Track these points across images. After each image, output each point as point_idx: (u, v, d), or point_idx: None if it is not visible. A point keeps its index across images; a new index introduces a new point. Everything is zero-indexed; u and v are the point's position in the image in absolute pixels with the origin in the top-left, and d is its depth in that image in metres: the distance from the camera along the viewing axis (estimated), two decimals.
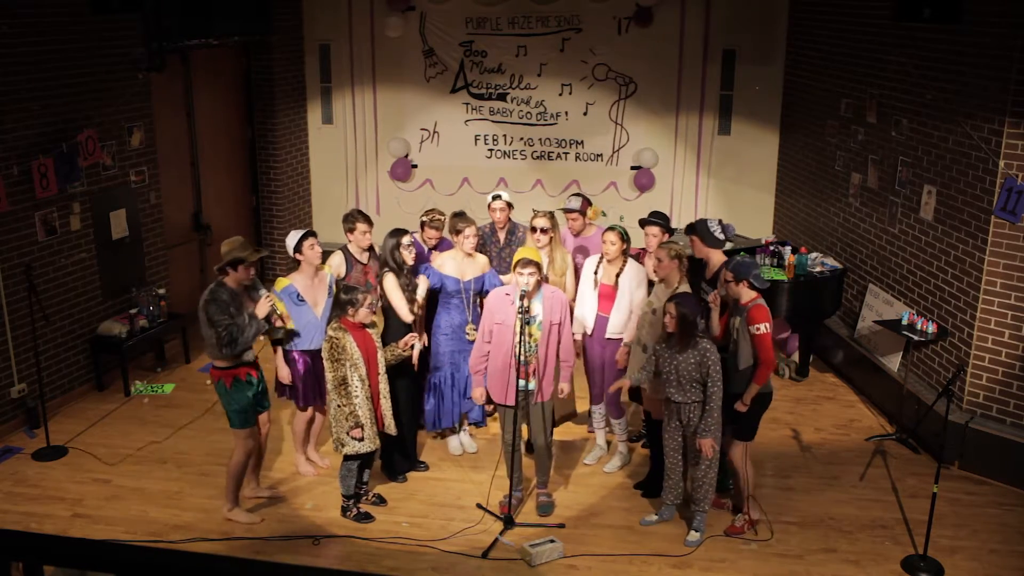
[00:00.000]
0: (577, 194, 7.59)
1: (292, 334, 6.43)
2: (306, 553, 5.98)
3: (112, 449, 7.27)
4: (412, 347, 6.45)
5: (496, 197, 7.33)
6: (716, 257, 6.71)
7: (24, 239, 7.49)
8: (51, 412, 7.57)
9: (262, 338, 6.27)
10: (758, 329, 5.84)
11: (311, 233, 6.56)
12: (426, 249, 7.15)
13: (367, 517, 6.31)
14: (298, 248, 6.52)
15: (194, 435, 7.51)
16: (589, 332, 6.78)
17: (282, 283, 6.49)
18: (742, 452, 6.10)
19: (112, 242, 8.41)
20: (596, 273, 6.71)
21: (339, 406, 6.00)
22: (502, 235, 7.37)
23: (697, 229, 6.74)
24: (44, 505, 6.52)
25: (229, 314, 5.86)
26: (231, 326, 5.86)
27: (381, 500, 6.51)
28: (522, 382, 6.05)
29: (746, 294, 5.94)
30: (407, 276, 6.57)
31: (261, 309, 6.03)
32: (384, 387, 6.18)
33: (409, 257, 6.55)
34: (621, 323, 6.62)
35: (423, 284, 6.61)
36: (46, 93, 7.58)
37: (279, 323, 6.30)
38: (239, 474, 6.26)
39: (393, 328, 6.59)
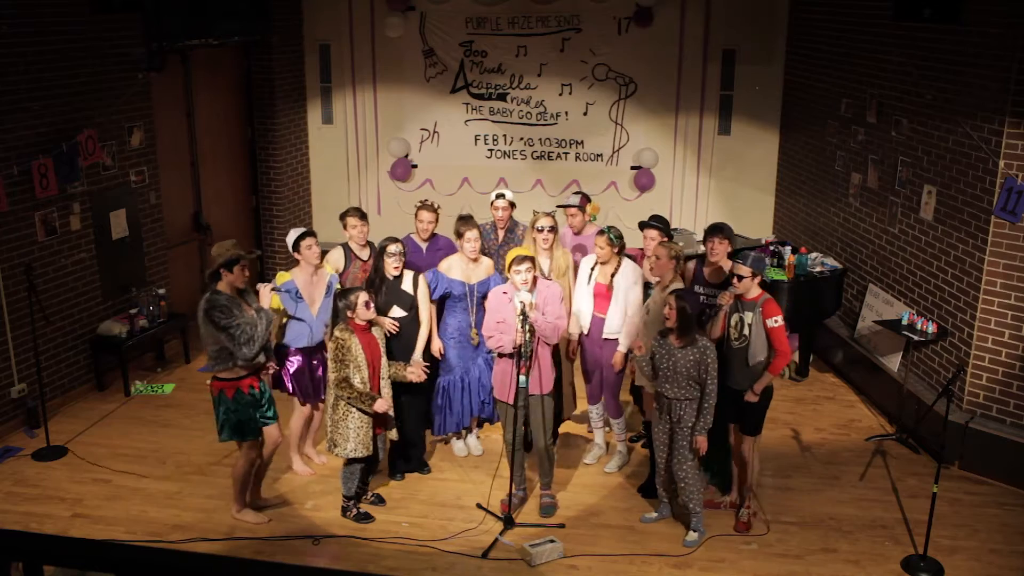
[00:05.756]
0: (576, 192, 7.61)
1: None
2: (306, 553, 5.98)
3: (112, 449, 7.27)
4: (413, 372, 6.41)
5: (500, 196, 7.32)
6: (727, 264, 6.65)
7: (24, 239, 7.49)
8: (51, 412, 7.57)
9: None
10: (776, 321, 5.88)
11: (310, 233, 6.58)
12: (423, 247, 7.11)
13: (367, 517, 6.31)
14: (296, 247, 6.53)
15: (194, 435, 7.51)
16: (586, 332, 6.77)
17: (283, 277, 6.52)
18: (751, 446, 6.14)
19: (112, 242, 8.41)
20: (592, 270, 6.72)
21: (349, 398, 5.94)
22: (501, 234, 7.35)
23: (726, 231, 6.61)
24: (44, 505, 6.52)
25: (235, 315, 5.82)
26: (244, 324, 5.78)
27: (380, 500, 6.51)
28: (522, 378, 6.05)
29: (754, 288, 5.95)
30: (382, 284, 6.51)
31: (265, 300, 6.02)
32: (387, 391, 6.17)
33: (391, 268, 6.50)
34: (617, 323, 6.61)
35: (386, 324, 6.48)
36: (46, 93, 7.58)
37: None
38: (243, 481, 6.25)
39: (401, 339, 6.55)
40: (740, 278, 5.92)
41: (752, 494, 6.27)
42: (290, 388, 6.67)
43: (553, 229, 6.83)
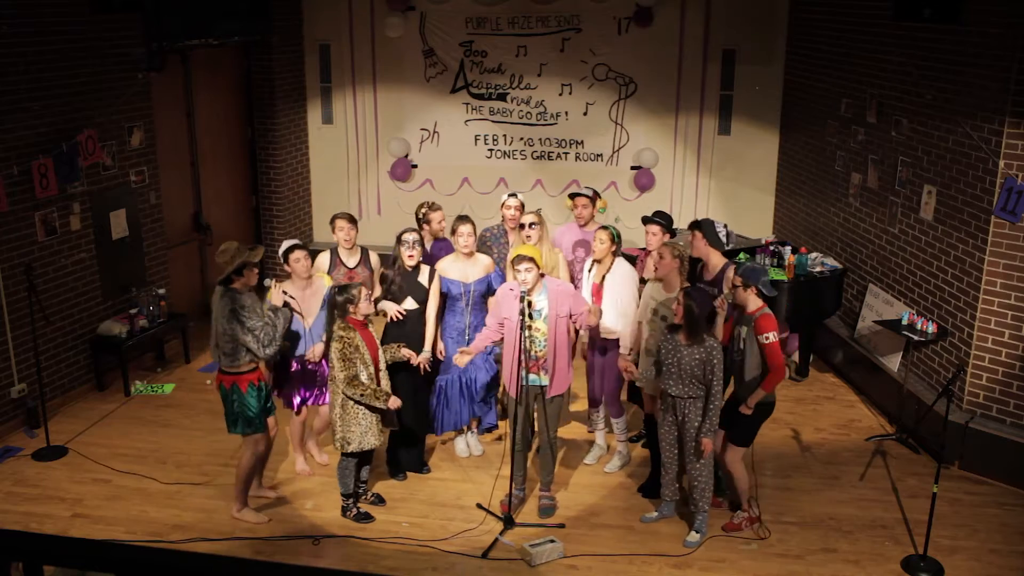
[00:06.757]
0: (586, 187, 7.64)
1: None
2: (306, 553, 5.98)
3: (112, 449, 7.27)
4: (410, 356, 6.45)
5: (512, 195, 7.31)
6: (715, 259, 6.69)
7: (24, 239, 7.49)
8: (51, 412, 7.57)
9: None
10: (767, 338, 5.78)
11: (298, 246, 6.52)
12: (428, 247, 7.11)
13: (367, 517, 6.31)
14: (286, 259, 6.52)
15: (194, 435, 7.51)
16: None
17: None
18: (735, 457, 6.09)
19: (112, 242, 8.41)
20: (589, 272, 6.73)
21: (361, 396, 5.91)
22: (512, 236, 7.30)
23: (703, 226, 6.74)
24: (44, 505, 6.52)
25: (259, 314, 5.84)
26: (266, 326, 5.83)
27: (380, 500, 6.51)
28: (533, 377, 6.05)
29: (753, 302, 5.89)
30: (397, 275, 6.54)
31: (277, 299, 6.04)
32: (385, 382, 6.18)
33: (407, 258, 6.52)
34: (611, 322, 6.58)
35: (394, 305, 6.56)
36: (46, 93, 7.58)
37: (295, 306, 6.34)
38: (248, 477, 6.26)
39: (407, 333, 6.57)
40: (735, 286, 5.94)
41: (748, 503, 6.23)
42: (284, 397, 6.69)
43: (536, 226, 6.90)
